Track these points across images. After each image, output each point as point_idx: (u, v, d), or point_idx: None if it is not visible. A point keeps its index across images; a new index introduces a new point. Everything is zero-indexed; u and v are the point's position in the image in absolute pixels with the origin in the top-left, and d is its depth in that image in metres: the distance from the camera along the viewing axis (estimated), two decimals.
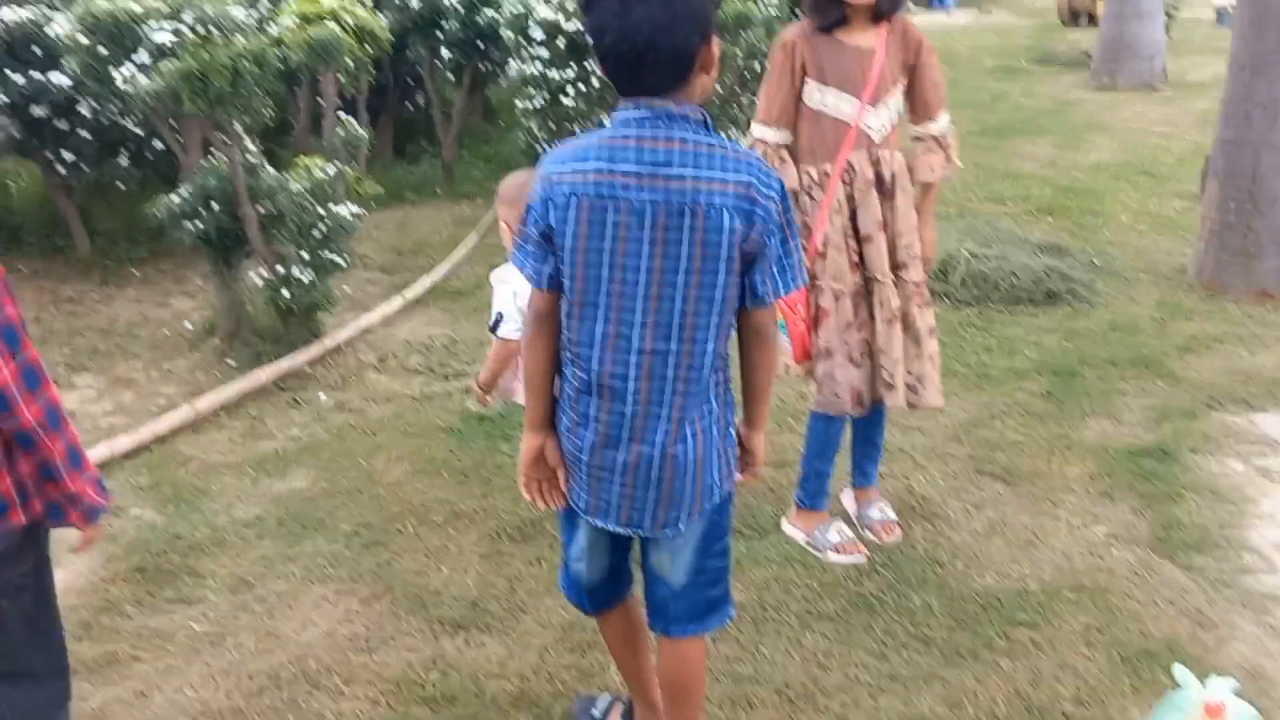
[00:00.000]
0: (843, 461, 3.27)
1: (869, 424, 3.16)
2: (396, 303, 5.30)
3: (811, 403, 3.05)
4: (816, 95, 2.83)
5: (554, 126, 6.03)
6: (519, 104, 6.12)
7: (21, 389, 1.76)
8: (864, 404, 2.99)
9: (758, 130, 2.91)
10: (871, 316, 2.93)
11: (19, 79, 5.08)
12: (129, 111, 5.11)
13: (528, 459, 2.06)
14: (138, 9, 4.27)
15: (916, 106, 2.97)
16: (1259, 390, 4.13)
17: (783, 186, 1.86)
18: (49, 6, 5.18)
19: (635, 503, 1.95)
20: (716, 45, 1.83)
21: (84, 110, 5.27)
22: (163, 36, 4.14)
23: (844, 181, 2.86)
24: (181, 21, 4.19)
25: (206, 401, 4.14)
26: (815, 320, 2.94)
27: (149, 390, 4.43)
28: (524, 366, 2.04)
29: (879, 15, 2.79)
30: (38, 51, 5.13)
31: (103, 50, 4.30)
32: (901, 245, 2.94)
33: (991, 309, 5.01)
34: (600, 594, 2.21)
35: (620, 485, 1.94)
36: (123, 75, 4.21)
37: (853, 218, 2.89)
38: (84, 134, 5.39)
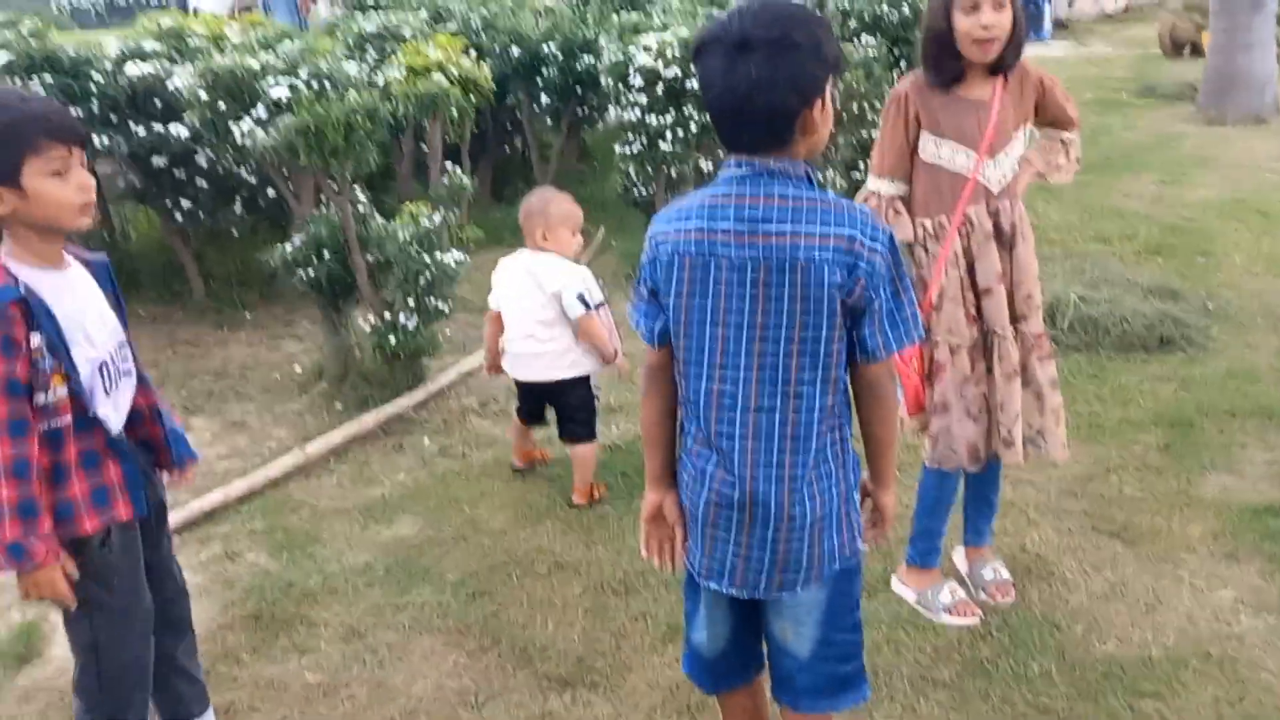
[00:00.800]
0: (953, 518, 3.19)
1: (984, 480, 3.09)
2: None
3: (925, 458, 3.00)
4: (931, 148, 2.80)
5: (650, 170, 6.07)
6: (617, 149, 6.19)
7: None
8: (981, 459, 2.92)
9: (872, 183, 2.88)
10: (990, 371, 2.87)
11: (140, 130, 5.31)
12: (244, 161, 5.30)
13: (647, 515, 2.07)
14: (256, 65, 4.44)
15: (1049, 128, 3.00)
16: None
17: (891, 239, 1.83)
18: (170, 61, 5.40)
19: (750, 564, 1.93)
20: (822, 109, 1.80)
21: (201, 160, 5.48)
22: (279, 92, 4.29)
23: (961, 234, 2.82)
24: (298, 77, 4.33)
25: (316, 446, 4.24)
26: (930, 374, 2.89)
27: (261, 433, 4.55)
28: (641, 422, 2.07)
29: (995, 69, 2.76)
30: (158, 104, 5.36)
31: (222, 105, 4.47)
32: (1021, 297, 2.88)
33: (1102, 355, 4.87)
34: (722, 670, 2.15)
35: (735, 545, 1.92)
36: (241, 130, 4.36)
37: (970, 270, 2.84)
38: (201, 183, 5.60)
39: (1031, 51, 13.04)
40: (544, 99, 7.11)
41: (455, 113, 5.19)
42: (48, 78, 5.04)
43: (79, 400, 2.06)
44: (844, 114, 6.43)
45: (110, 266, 2.26)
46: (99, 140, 5.23)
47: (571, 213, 3.81)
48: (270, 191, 5.70)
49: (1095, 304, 5.17)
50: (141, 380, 2.29)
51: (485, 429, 4.53)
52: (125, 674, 2.27)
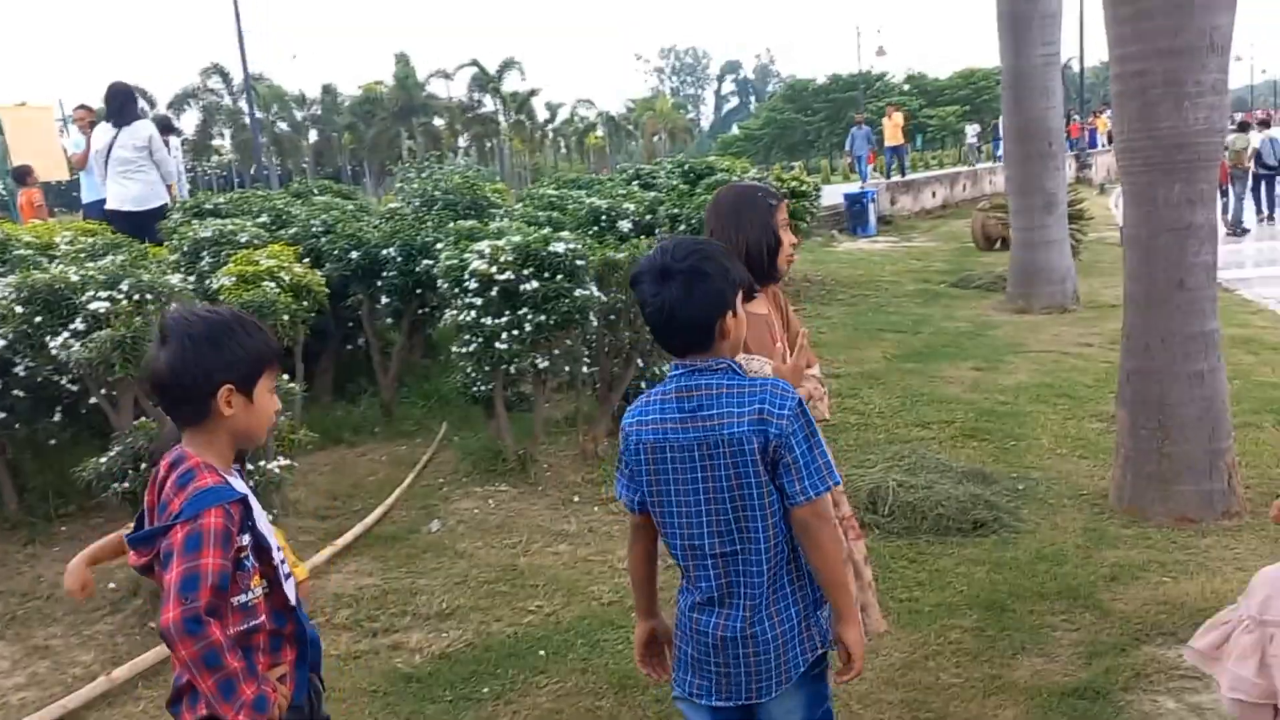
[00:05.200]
0: None
1: None
2: (326, 553, 5.23)
3: None
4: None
5: (488, 369, 6.17)
6: (454, 348, 6.28)
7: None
8: None
9: None
10: None
11: None
12: (63, 371, 5.16)
13: (639, 641, 2.53)
14: (75, 278, 4.40)
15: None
16: (1184, 620, 4.17)
17: (798, 403, 2.22)
18: None
19: (731, 678, 2.31)
20: (734, 317, 2.26)
21: (19, 370, 5.31)
22: (98, 305, 4.25)
23: None
24: (118, 290, 4.31)
25: (123, 670, 4.00)
26: None
27: (66, 659, 4.27)
28: (629, 569, 2.54)
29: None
30: None
31: (39, 319, 4.39)
32: None
33: (921, 540, 5.07)
34: None
35: (715, 664, 2.32)
36: (57, 343, 4.28)
37: None
38: (18, 392, 5.40)
39: (859, 245, 14.00)
40: (384, 299, 7.21)
41: (286, 318, 5.21)
42: None
43: (276, 595, 2.21)
44: None
45: (242, 474, 2.36)
46: None
47: None
48: (93, 398, 5.53)
49: (913, 489, 5.42)
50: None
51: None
52: None
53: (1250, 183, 17.79)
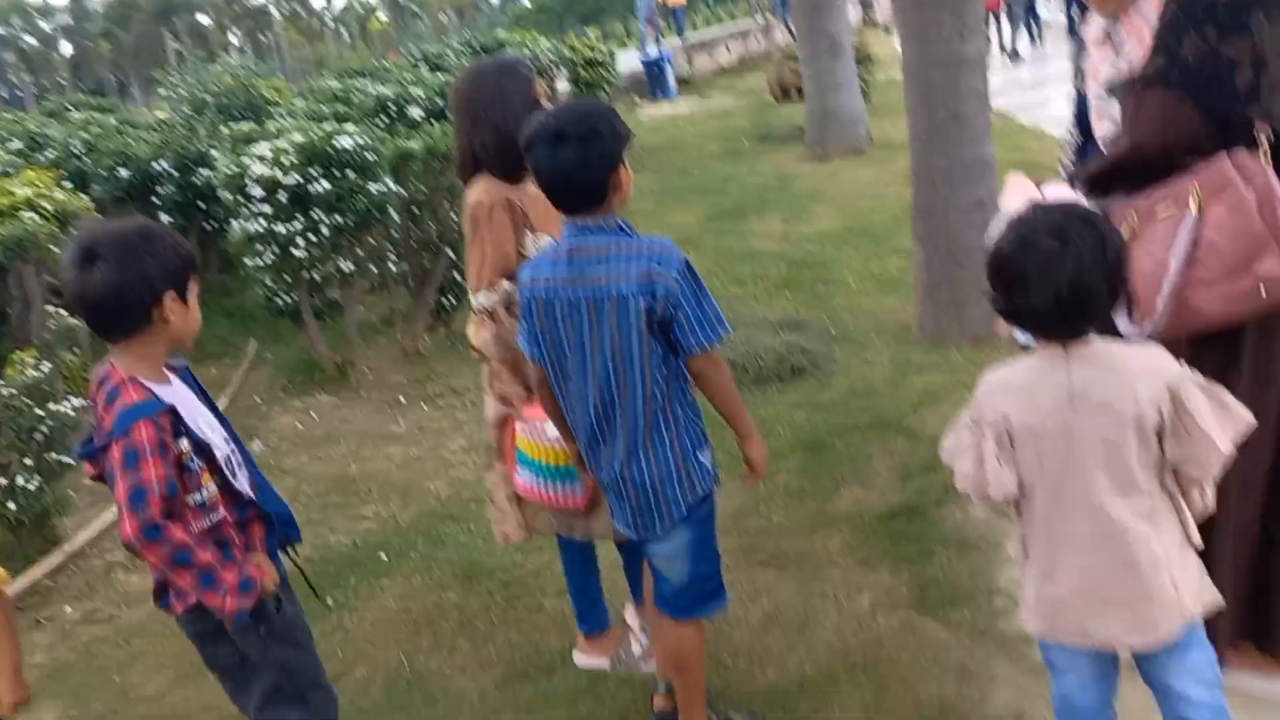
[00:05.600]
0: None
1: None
2: None
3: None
4: (532, 246, 2.89)
5: (289, 279, 5.90)
6: (248, 261, 5.97)
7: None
8: None
9: (485, 299, 2.93)
10: None
11: None
12: None
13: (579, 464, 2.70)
14: None
15: None
16: None
17: (686, 263, 2.33)
18: None
19: (622, 513, 2.54)
20: (625, 172, 2.36)
21: None
22: None
23: None
24: None
25: None
26: None
27: None
28: (547, 412, 2.64)
29: None
30: None
31: None
32: None
33: (745, 393, 5.17)
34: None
35: (610, 500, 2.58)
36: None
37: None
38: None
39: (662, 110, 13.81)
40: (164, 217, 6.76)
41: (54, 249, 4.81)
42: None
43: (228, 491, 2.22)
44: None
45: (190, 369, 2.35)
46: None
47: None
48: None
49: (733, 346, 5.54)
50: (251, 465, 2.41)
51: (135, 584, 4.20)
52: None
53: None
